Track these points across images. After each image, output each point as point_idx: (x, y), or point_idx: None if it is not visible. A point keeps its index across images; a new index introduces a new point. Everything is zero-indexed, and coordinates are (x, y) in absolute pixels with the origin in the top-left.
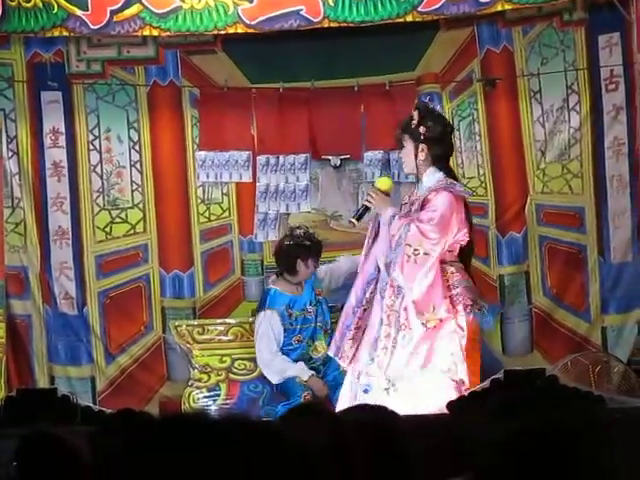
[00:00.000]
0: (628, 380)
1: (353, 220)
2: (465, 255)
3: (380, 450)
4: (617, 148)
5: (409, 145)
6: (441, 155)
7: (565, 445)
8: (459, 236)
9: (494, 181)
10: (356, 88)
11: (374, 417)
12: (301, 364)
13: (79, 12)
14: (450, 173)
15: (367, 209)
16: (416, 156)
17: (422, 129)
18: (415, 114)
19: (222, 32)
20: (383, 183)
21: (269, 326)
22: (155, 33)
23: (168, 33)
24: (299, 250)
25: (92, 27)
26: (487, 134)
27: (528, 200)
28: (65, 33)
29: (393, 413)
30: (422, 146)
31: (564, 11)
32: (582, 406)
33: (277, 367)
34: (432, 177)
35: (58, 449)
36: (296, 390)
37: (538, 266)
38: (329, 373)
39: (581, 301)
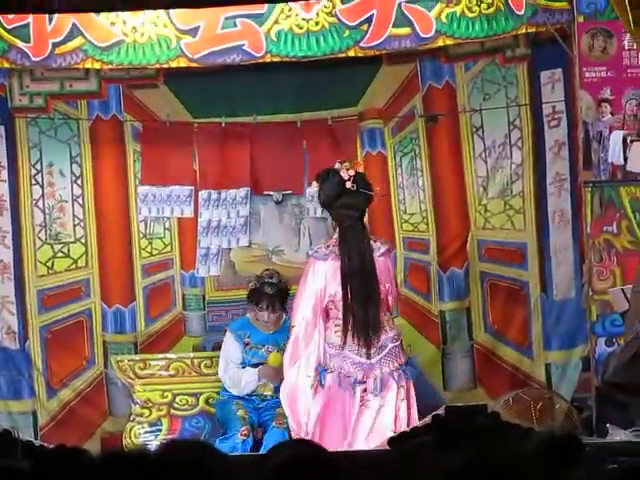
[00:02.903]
0: (571, 418)
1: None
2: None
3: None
4: (559, 184)
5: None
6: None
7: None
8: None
9: (436, 217)
10: (299, 124)
11: (306, 454)
12: (248, 368)
13: (21, 44)
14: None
15: None
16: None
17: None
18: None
19: (165, 66)
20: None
21: (224, 344)
22: (97, 66)
23: (110, 66)
24: (259, 296)
25: (34, 59)
26: (429, 170)
27: (470, 236)
28: (6, 65)
29: (319, 448)
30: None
31: (506, 47)
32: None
33: (231, 381)
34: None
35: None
36: (234, 424)
37: (480, 302)
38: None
39: (523, 337)
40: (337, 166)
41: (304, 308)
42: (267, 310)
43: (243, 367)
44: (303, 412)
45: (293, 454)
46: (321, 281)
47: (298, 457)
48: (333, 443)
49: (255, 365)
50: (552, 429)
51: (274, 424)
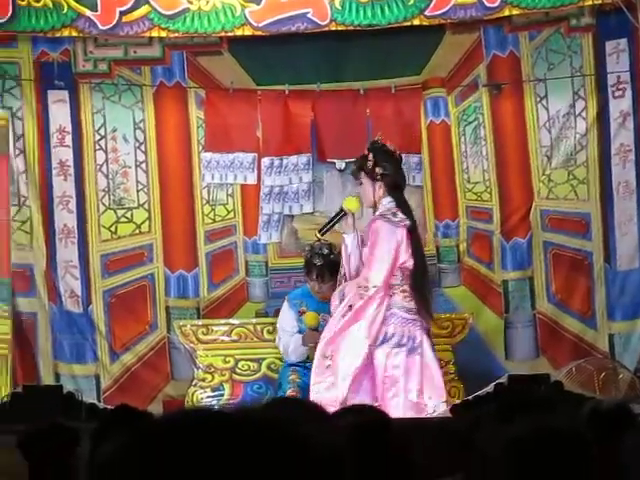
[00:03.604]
0: (634, 388)
1: (318, 235)
2: (415, 278)
3: (381, 449)
4: (624, 155)
5: (367, 183)
6: (396, 187)
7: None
8: (400, 261)
9: (499, 186)
10: (362, 91)
11: (371, 418)
12: (295, 335)
13: (88, 13)
14: (403, 202)
15: (333, 222)
16: (374, 193)
17: (378, 169)
18: (370, 156)
19: (229, 34)
20: (350, 203)
21: (280, 314)
22: (163, 34)
23: (176, 34)
24: (309, 266)
25: (101, 28)
26: (493, 139)
27: (533, 206)
28: (74, 33)
29: (384, 415)
30: (379, 184)
31: (571, 17)
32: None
33: (283, 349)
34: (382, 207)
35: (68, 439)
36: (284, 387)
37: (543, 272)
38: None
39: (587, 308)
40: (392, 146)
41: (379, 271)
42: (316, 280)
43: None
44: (347, 366)
45: (365, 421)
46: (396, 247)
47: (370, 425)
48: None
49: None
50: (613, 399)
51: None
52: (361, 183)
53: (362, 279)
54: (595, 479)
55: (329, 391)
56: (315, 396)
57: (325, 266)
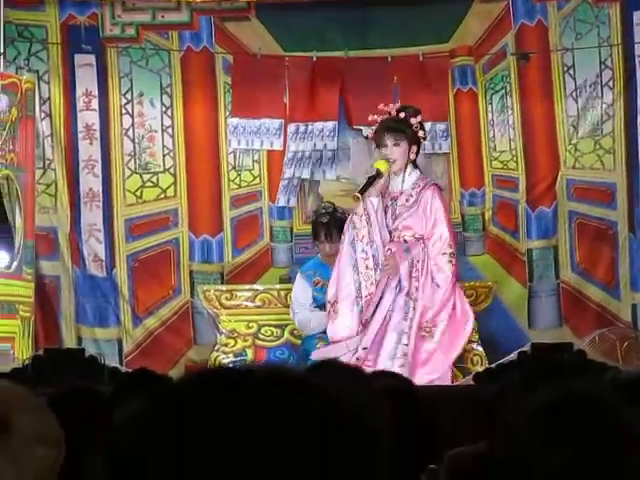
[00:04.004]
0: None
1: (357, 195)
2: None
3: (408, 414)
4: None
5: (404, 145)
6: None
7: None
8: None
9: (525, 155)
10: (389, 59)
11: (399, 383)
12: (316, 312)
13: None
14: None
15: (371, 183)
16: (408, 156)
17: (422, 133)
18: (418, 118)
19: None
20: (382, 165)
21: (294, 287)
22: None
23: None
24: (316, 227)
25: None
26: (519, 108)
27: (559, 175)
28: None
29: (411, 381)
30: (414, 147)
31: None
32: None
33: (299, 324)
34: (414, 174)
35: (94, 402)
36: (312, 347)
37: (567, 241)
38: None
39: (610, 277)
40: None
41: (454, 237)
42: (326, 241)
43: (316, 306)
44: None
45: (395, 385)
46: None
47: (400, 389)
48: None
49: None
50: (638, 368)
51: None
52: (397, 144)
53: (445, 245)
54: (622, 444)
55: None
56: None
57: (332, 224)
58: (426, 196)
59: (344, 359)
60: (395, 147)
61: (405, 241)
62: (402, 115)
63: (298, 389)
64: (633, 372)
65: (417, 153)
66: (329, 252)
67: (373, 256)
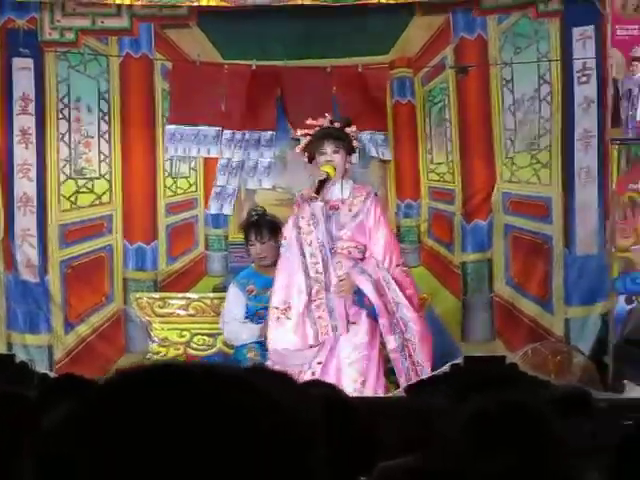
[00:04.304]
0: (589, 372)
1: (314, 195)
2: None
3: (343, 424)
4: (586, 140)
5: (342, 153)
6: None
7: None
8: None
9: (462, 168)
10: (329, 69)
11: (334, 392)
12: (248, 324)
13: None
14: None
15: (324, 181)
16: (345, 165)
17: (356, 143)
18: (353, 128)
19: (195, 4)
20: (330, 169)
21: (227, 297)
22: (127, 1)
23: (140, 2)
24: (247, 229)
25: None
26: (457, 121)
27: (495, 188)
28: None
29: (344, 392)
30: (349, 157)
31: (539, 2)
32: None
33: (231, 334)
34: (350, 182)
35: (22, 406)
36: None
37: (502, 254)
38: None
39: (544, 292)
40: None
41: None
42: (256, 240)
43: (247, 316)
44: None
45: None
46: None
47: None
48: None
49: (261, 310)
50: (569, 383)
51: None
52: (337, 151)
53: (398, 257)
54: (553, 454)
55: None
56: None
57: (262, 223)
58: (369, 206)
59: (297, 371)
60: (335, 154)
61: (356, 257)
62: (337, 124)
63: (234, 388)
64: (569, 387)
65: (351, 163)
66: (259, 253)
67: (323, 260)
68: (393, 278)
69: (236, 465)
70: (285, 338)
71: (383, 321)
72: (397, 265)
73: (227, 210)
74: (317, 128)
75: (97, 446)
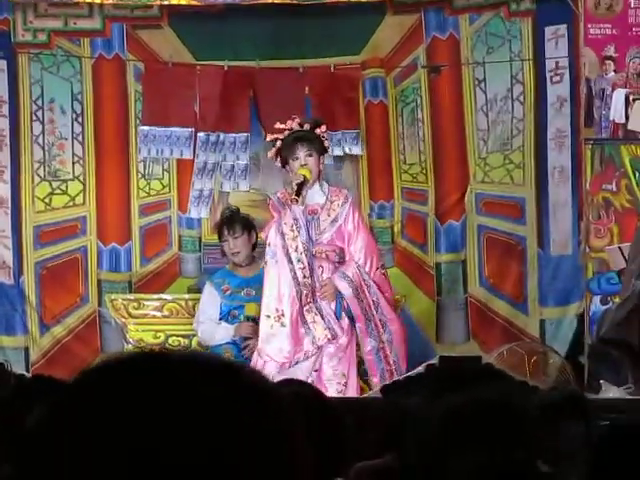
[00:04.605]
0: (564, 373)
1: (295, 198)
2: None
3: (317, 421)
4: (560, 140)
5: (315, 156)
6: None
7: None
8: None
9: (435, 168)
10: (301, 69)
11: (307, 390)
12: (223, 324)
13: None
14: None
15: (302, 184)
16: (319, 167)
17: (327, 143)
18: (323, 128)
19: (165, 3)
20: (307, 172)
21: (202, 297)
22: (98, 0)
23: (111, 1)
24: (220, 226)
25: None
26: (430, 121)
27: (468, 189)
28: None
29: (321, 391)
30: (323, 158)
31: (511, 1)
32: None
33: (203, 334)
34: (325, 185)
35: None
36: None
37: (476, 255)
38: None
39: (518, 292)
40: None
41: None
42: (229, 235)
43: (222, 316)
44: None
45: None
46: None
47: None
48: None
49: (235, 309)
50: (545, 383)
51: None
52: (310, 154)
53: (377, 260)
54: (530, 450)
55: None
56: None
57: (236, 219)
58: (347, 211)
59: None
60: (308, 157)
61: (334, 261)
62: (307, 126)
63: (218, 377)
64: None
65: (324, 164)
66: (232, 248)
67: (309, 264)
68: (373, 281)
69: (218, 457)
70: (282, 347)
71: (360, 325)
72: (377, 268)
73: (205, 214)
74: (287, 132)
75: (75, 437)
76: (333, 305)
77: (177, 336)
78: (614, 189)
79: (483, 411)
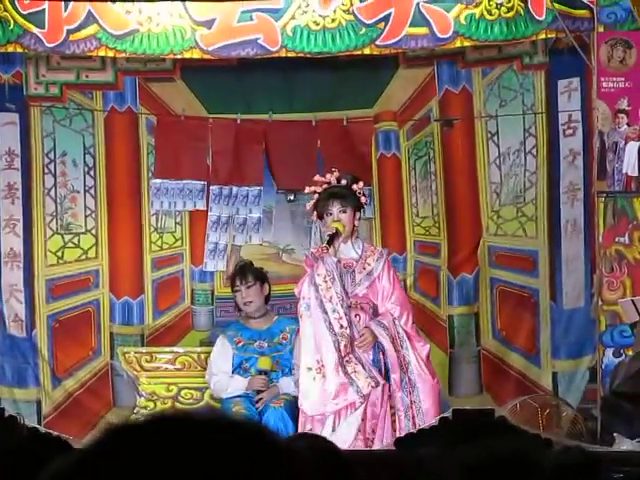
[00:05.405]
0: (577, 425)
1: (326, 246)
2: None
3: (330, 474)
4: (572, 193)
5: (350, 212)
6: None
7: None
8: None
9: (448, 221)
10: (314, 123)
11: (322, 446)
12: (236, 377)
13: (35, 30)
14: None
15: (334, 235)
16: (354, 222)
17: (363, 199)
18: (360, 184)
19: (178, 57)
20: (340, 225)
21: (215, 349)
22: (110, 54)
23: (124, 54)
24: (232, 277)
25: (47, 45)
26: (443, 174)
27: (481, 242)
28: (19, 50)
29: (334, 444)
30: (359, 214)
31: (524, 54)
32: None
33: (218, 386)
34: (359, 242)
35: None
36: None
37: (488, 308)
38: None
39: (531, 345)
40: None
41: None
42: (242, 285)
43: (234, 368)
44: None
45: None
46: None
47: (317, 452)
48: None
49: (247, 361)
50: (562, 436)
51: (271, 404)
52: (344, 210)
53: (413, 316)
54: None
55: None
56: None
57: (247, 269)
58: (382, 266)
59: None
60: (342, 214)
61: (369, 313)
62: (344, 182)
63: (246, 438)
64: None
65: (359, 220)
66: (245, 297)
67: (345, 314)
68: (408, 335)
69: None
70: (326, 397)
71: (395, 376)
72: (413, 322)
73: (222, 266)
74: (325, 185)
75: None
76: (370, 355)
77: (189, 389)
78: (627, 242)
79: (499, 466)
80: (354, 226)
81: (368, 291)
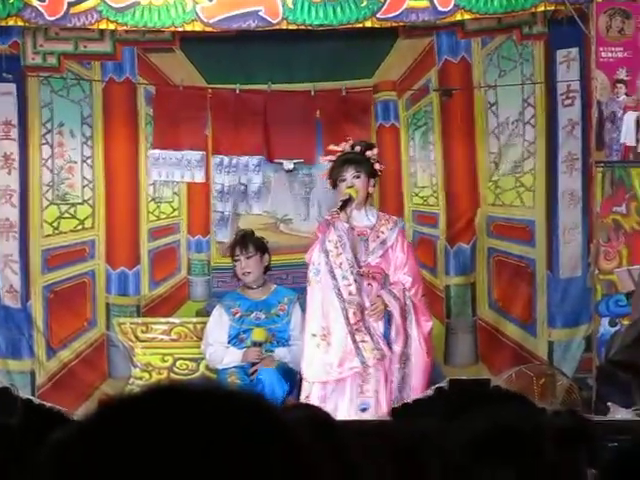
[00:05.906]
0: (572, 395)
1: (337, 211)
2: None
3: (335, 447)
4: (570, 163)
5: (364, 178)
6: None
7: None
8: None
9: (446, 191)
10: (313, 93)
11: (317, 416)
12: (231, 348)
13: (35, 2)
14: None
15: (347, 201)
16: (367, 189)
17: (377, 165)
18: (374, 151)
19: (179, 29)
20: (353, 192)
21: (211, 320)
22: (111, 27)
23: (124, 27)
24: (232, 245)
25: (48, 18)
26: (441, 144)
27: (479, 211)
28: (20, 23)
29: (329, 414)
30: (372, 181)
31: (524, 24)
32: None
33: (213, 357)
34: (373, 209)
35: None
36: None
37: (485, 278)
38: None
39: (527, 315)
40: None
41: None
42: (242, 255)
43: (230, 339)
44: None
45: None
46: None
47: (312, 422)
48: None
49: (243, 333)
50: (557, 406)
51: (263, 365)
52: (357, 176)
53: (423, 289)
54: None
55: None
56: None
57: (248, 238)
58: (397, 236)
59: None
60: (356, 179)
61: (381, 282)
62: (358, 148)
63: (245, 409)
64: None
65: (374, 186)
66: (244, 268)
67: (355, 281)
68: (415, 308)
69: None
70: (330, 364)
71: (397, 348)
72: (422, 295)
73: (228, 235)
74: (339, 154)
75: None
76: (381, 325)
77: (185, 360)
78: (624, 211)
79: (505, 436)
80: (368, 193)
81: (381, 260)
